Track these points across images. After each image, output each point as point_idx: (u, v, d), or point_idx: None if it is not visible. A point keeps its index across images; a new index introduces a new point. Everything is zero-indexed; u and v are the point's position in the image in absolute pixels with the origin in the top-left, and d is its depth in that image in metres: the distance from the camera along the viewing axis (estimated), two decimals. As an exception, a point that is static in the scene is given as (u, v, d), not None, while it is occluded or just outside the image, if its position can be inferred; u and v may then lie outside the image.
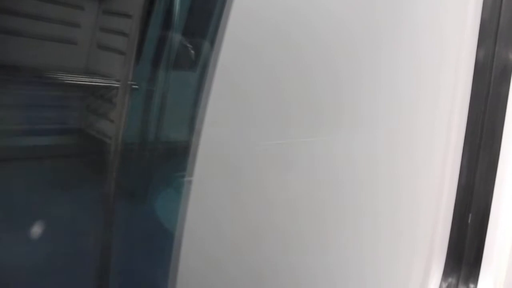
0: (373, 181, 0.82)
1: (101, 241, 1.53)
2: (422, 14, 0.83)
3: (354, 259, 0.84)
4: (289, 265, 0.93)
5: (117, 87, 1.75)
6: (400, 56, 0.83)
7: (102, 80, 1.78)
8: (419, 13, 0.83)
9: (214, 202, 1.04)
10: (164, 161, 1.83)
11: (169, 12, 1.80)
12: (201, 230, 1.05)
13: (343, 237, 0.86)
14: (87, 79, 1.77)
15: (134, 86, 1.74)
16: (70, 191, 1.59)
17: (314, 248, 0.90)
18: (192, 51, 1.80)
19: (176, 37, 1.83)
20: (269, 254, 0.95)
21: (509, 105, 0.76)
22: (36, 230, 1.41)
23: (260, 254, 0.97)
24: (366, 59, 0.87)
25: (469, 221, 0.79)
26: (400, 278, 0.80)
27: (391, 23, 0.85)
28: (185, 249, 1.04)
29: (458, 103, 0.77)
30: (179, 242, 1.05)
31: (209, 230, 1.04)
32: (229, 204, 1.02)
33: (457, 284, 0.79)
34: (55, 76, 1.67)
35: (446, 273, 0.79)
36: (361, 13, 0.88)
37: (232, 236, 1.02)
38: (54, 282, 1.37)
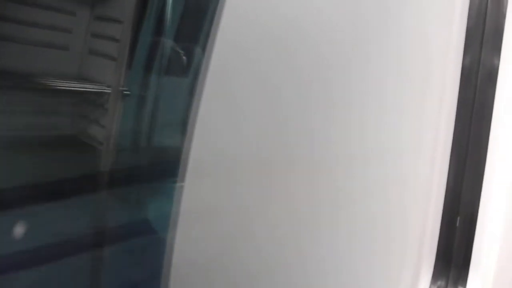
0: (363, 184, 0.83)
1: (93, 245, 1.53)
2: (409, 20, 0.84)
3: (345, 261, 0.85)
4: (283, 268, 0.93)
5: (108, 93, 1.74)
6: (388, 61, 0.84)
7: (93, 86, 1.77)
8: (406, 19, 0.84)
9: (206, 208, 1.04)
10: (156, 166, 1.83)
11: (160, 17, 1.81)
12: (193, 235, 1.05)
13: (334, 240, 0.86)
14: (78, 85, 1.76)
15: (125, 92, 1.74)
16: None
17: (308, 251, 0.90)
18: (184, 57, 1.81)
19: (167, 43, 1.83)
20: (263, 257, 0.96)
21: (495, 110, 0.77)
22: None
23: (253, 258, 0.97)
24: (355, 62, 0.88)
25: (457, 224, 0.80)
26: (390, 281, 0.80)
27: (379, 29, 0.86)
28: (177, 254, 1.04)
29: (445, 108, 0.78)
30: (171, 247, 1.05)
31: (201, 235, 1.04)
32: (221, 209, 1.02)
33: (446, 287, 0.80)
34: (46, 82, 1.66)
35: (435, 276, 0.80)
36: (350, 16, 0.89)
37: (224, 240, 1.02)
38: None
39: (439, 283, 0.80)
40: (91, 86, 1.78)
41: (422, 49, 0.82)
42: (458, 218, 0.80)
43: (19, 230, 1.37)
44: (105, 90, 1.77)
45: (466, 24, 0.79)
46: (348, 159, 0.86)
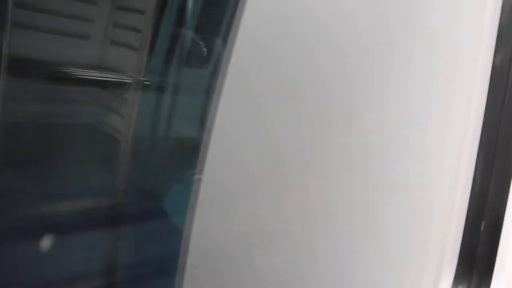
0: (385, 186, 0.82)
1: (110, 236, 1.54)
2: (438, 17, 0.81)
3: (363, 265, 0.84)
4: (298, 266, 0.92)
5: (129, 83, 1.75)
6: (414, 60, 0.82)
7: (114, 76, 1.78)
8: (434, 16, 0.82)
9: (223, 201, 1.04)
10: (175, 158, 1.83)
11: (182, 8, 1.80)
12: (210, 228, 1.05)
13: (353, 242, 0.85)
14: (99, 74, 1.77)
15: (146, 82, 1.75)
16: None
17: (324, 251, 0.89)
18: (205, 48, 1.80)
19: (188, 34, 1.83)
20: (279, 254, 0.95)
21: (526, 111, 0.75)
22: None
23: (269, 255, 0.97)
24: (379, 62, 0.86)
25: (481, 228, 0.78)
26: (410, 284, 0.79)
27: (405, 26, 0.84)
28: (193, 246, 1.04)
29: (473, 108, 0.76)
30: (188, 239, 1.05)
31: (218, 229, 1.04)
32: (239, 204, 1.02)
33: (468, 293, 0.78)
34: (67, 70, 1.67)
35: (457, 281, 0.78)
36: (375, 14, 0.87)
37: (242, 236, 1.01)
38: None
39: (460, 287, 0.78)
40: (111, 76, 1.79)
41: (450, 47, 0.79)
42: (483, 221, 0.78)
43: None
44: (125, 80, 1.78)
45: (498, 20, 0.76)
46: (368, 161, 0.84)
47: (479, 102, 0.76)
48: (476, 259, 0.78)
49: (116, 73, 1.79)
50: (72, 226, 1.49)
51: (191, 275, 1.04)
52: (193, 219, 1.05)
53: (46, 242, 1.36)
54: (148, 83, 1.76)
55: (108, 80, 1.79)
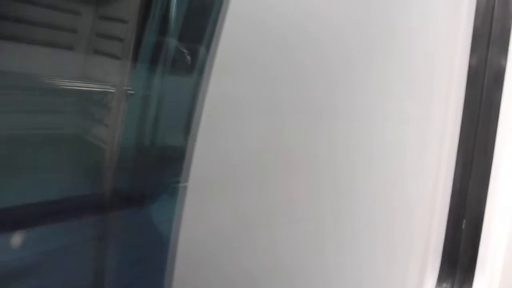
0: (367, 187, 0.83)
1: (96, 246, 1.53)
2: (415, 20, 0.83)
3: (349, 264, 0.84)
4: (285, 269, 0.93)
5: (112, 92, 1.74)
6: (393, 62, 0.83)
7: (97, 86, 1.77)
8: (412, 19, 0.83)
9: (209, 207, 1.03)
10: (160, 166, 1.83)
11: (165, 17, 1.80)
12: (197, 235, 1.05)
13: (338, 243, 0.86)
14: (82, 84, 1.76)
15: (129, 91, 1.74)
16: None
17: (310, 252, 0.89)
18: (188, 56, 1.80)
19: (172, 42, 1.83)
20: (266, 257, 0.95)
21: (502, 111, 0.76)
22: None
23: (256, 258, 0.97)
24: (360, 64, 0.87)
25: (463, 226, 0.79)
26: (395, 283, 0.80)
27: (384, 29, 0.85)
28: (180, 254, 1.04)
29: (451, 109, 0.77)
30: (175, 247, 1.04)
31: (204, 235, 1.04)
32: (225, 209, 1.02)
33: (451, 290, 0.79)
34: (51, 81, 1.66)
35: (441, 278, 0.79)
36: (355, 18, 0.89)
37: (228, 241, 1.01)
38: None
39: (444, 285, 0.79)
40: (95, 86, 1.78)
41: (428, 49, 0.81)
42: (464, 220, 0.79)
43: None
44: (109, 90, 1.77)
45: (473, 23, 0.78)
46: (351, 162, 0.85)
47: (457, 102, 0.78)
48: (458, 257, 0.79)
49: (99, 83, 1.78)
50: (56, 234, 1.47)
51: (179, 280, 1.04)
52: (180, 226, 1.04)
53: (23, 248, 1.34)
54: (132, 92, 1.75)
55: (91, 90, 1.78)
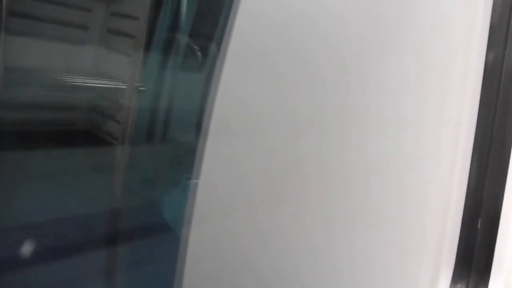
0: (381, 186, 0.82)
1: (107, 241, 1.54)
2: (431, 16, 0.82)
3: (362, 265, 0.83)
4: (296, 270, 0.92)
5: (124, 89, 1.75)
6: (408, 59, 0.82)
7: (109, 82, 1.78)
8: (427, 15, 0.82)
9: (220, 204, 1.03)
10: (171, 162, 1.83)
11: (176, 14, 1.80)
12: (207, 232, 1.05)
13: (351, 243, 0.85)
14: (94, 81, 1.77)
15: (140, 88, 1.74)
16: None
17: (322, 253, 0.89)
18: (199, 53, 1.80)
19: (182, 39, 1.83)
20: (277, 256, 0.95)
21: (520, 109, 0.75)
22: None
23: (267, 257, 0.96)
24: (373, 61, 0.86)
25: (478, 226, 0.78)
26: (409, 283, 0.79)
27: (399, 26, 0.84)
28: (191, 251, 1.04)
29: (467, 107, 0.76)
30: (185, 244, 1.04)
31: (215, 232, 1.04)
32: (236, 206, 1.01)
33: (466, 291, 0.78)
34: (63, 77, 1.67)
35: (455, 279, 0.78)
36: (368, 15, 0.87)
37: (239, 239, 1.01)
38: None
39: (459, 286, 0.78)
40: (106, 82, 1.79)
41: (444, 46, 0.79)
42: (479, 220, 0.78)
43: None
44: (120, 86, 1.77)
45: (489, 20, 0.77)
46: (365, 163, 0.84)
47: (472, 101, 0.77)
48: (473, 257, 0.78)
49: (111, 80, 1.79)
50: (68, 234, 1.48)
51: (189, 279, 1.04)
52: (191, 223, 1.04)
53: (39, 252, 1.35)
54: (143, 88, 1.76)
55: (103, 87, 1.79)
